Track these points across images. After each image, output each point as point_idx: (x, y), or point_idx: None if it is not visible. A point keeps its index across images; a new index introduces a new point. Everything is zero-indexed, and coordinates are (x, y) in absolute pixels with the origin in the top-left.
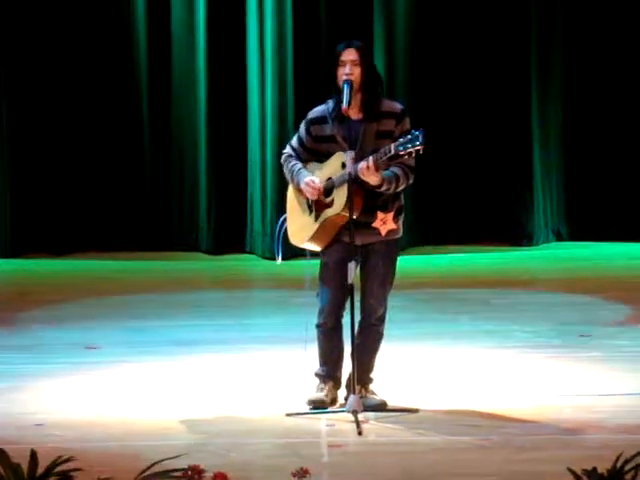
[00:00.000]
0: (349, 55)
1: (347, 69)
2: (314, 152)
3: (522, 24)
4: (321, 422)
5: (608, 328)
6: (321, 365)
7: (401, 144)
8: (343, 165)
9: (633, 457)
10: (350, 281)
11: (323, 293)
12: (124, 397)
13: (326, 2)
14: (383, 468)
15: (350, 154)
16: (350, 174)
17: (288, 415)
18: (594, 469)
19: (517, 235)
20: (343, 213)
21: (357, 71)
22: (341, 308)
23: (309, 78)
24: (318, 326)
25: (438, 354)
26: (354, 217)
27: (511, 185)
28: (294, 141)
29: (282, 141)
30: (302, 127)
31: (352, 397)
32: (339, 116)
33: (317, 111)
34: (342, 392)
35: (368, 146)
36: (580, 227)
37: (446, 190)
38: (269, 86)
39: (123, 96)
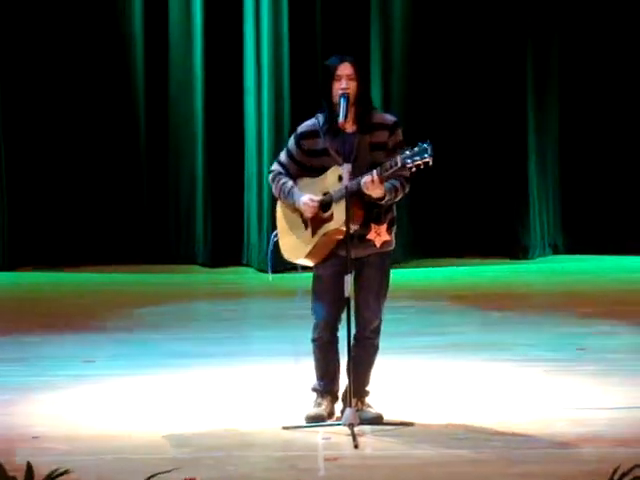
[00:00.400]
0: (345, 69)
1: (343, 83)
2: (305, 166)
3: (518, 36)
4: (318, 435)
5: (604, 342)
6: (318, 380)
7: (408, 157)
8: (340, 178)
9: (630, 470)
10: (347, 294)
11: (318, 307)
12: (120, 410)
13: (322, 13)
14: None
15: (347, 167)
16: (347, 187)
17: (285, 428)
18: None
19: (513, 248)
20: (343, 227)
21: (353, 85)
22: (336, 322)
23: (306, 90)
24: (314, 340)
25: (434, 367)
26: (353, 230)
27: (507, 198)
28: (282, 157)
29: (279, 154)
30: (292, 142)
31: (348, 410)
32: (332, 129)
33: (307, 125)
34: (339, 405)
35: (363, 158)
36: (577, 240)
37: (443, 203)
38: (266, 98)
39: (120, 109)
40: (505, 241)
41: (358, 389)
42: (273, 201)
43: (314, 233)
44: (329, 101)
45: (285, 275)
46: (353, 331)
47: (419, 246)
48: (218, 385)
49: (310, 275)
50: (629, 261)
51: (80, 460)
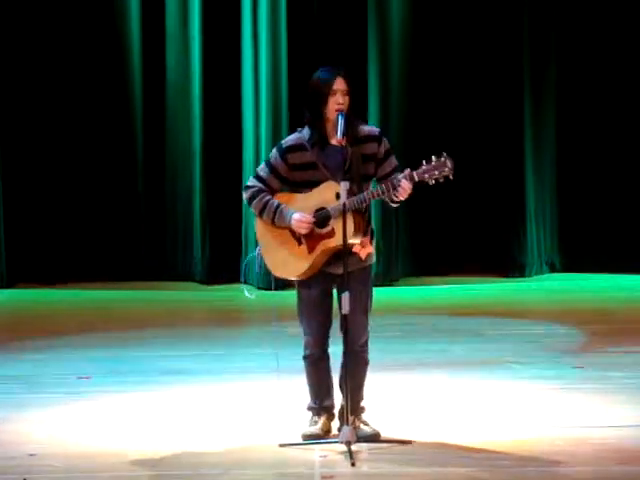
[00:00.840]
0: (340, 84)
1: (339, 99)
2: (287, 181)
3: (515, 49)
4: (314, 453)
5: (601, 359)
6: (312, 398)
7: (426, 171)
8: (337, 196)
9: None
10: (345, 312)
11: (307, 325)
12: (115, 427)
13: (320, 22)
14: None
15: (345, 185)
16: (345, 205)
17: (281, 446)
18: None
19: (510, 266)
20: (349, 241)
21: (347, 100)
22: (326, 338)
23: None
24: (305, 358)
25: (431, 385)
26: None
27: (504, 216)
28: (263, 172)
29: (256, 170)
30: (275, 156)
31: (345, 428)
32: (320, 143)
33: (293, 139)
34: (335, 422)
35: (356, 170)
36: (574, 259)
37: (439, 221)
38: (264, 112)
39: (117, 125)
40: (502, 259)
41: (354, 406)
42: None
43: (311, 250)
44: (320, 115)
45: (283, 292)
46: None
47: (416, 263)
48: (215, 402)
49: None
50: (626, 279)
51: (76, 478)
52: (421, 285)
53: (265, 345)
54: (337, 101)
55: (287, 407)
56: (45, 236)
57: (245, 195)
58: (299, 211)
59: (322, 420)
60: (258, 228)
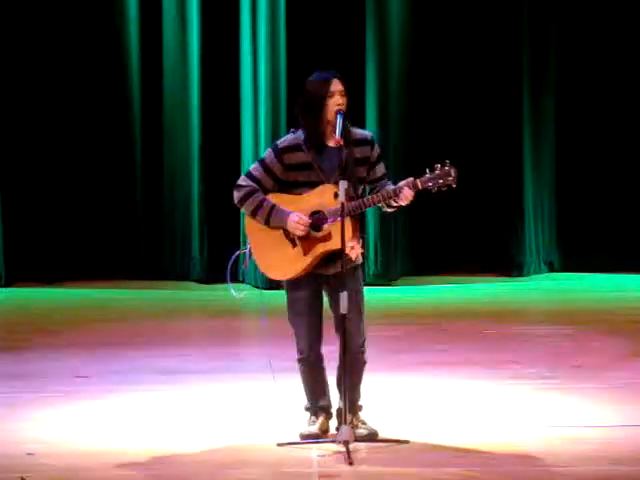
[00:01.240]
0: (337, 86)
1: (338, 100)
2: (281, 181)
3: (514, 46)
4: (312, 452)
5: (599, 360)
6: (309, 399)
7: (430, 180)
8: (335, 196)
9: None
10: (343, 311)
11: (300, 328)
12: (113, 426)
13: (319, 25)
14: None
15: (344, 184)
16: (343, 204)
17: (279, 445)
18: None
19: (508, 266)
20: (346, 245)
21: (344, 101)
22: (320, 339)
23: None
24: (300, 361)
25: (429, 385)
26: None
27: (503, 215)
28: (257, 171)
29: (248, 169)
30: (270, 156)
31: (343, 427)
32: (316, 144)
33: (288, 140)
34: (333, 422)
35: (351, 172)
36: (572, 258)
37: (437, 220)
38: (262, 118)
39: (115, 124)
40: (500, 258)
41: (351, 405)
42: None
43: (307, 252)
44: (318, 116)
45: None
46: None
47: (414, 263)
48: (212, 401)
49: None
50: (625, 279)
51: (74, 477)
52: (420, 284)
53: (262, 344)
54: (337, 102)
55: (285, 407)
56: (43, 236)
57: (237, 194)
58: (295, 213)
59: (320, 420)
60: (249, 228)
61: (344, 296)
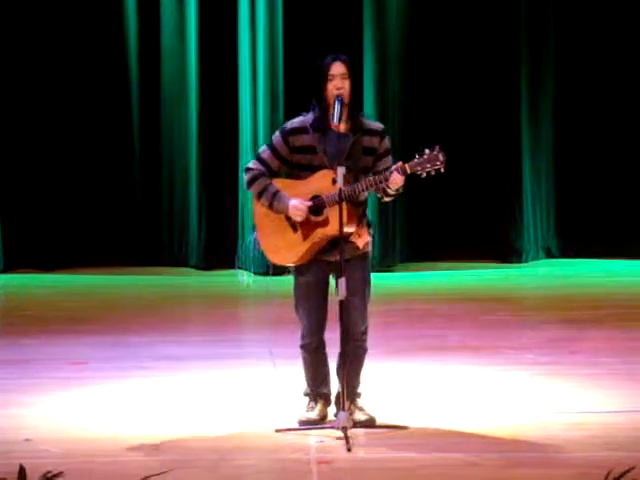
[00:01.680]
0: (339, 69)
1: (338, 83)
2: (288, 163)
3: (512, 38)
4: (310, 438)
5: (596, 345)
6: (309, 384)
7: (418, 164)
8: (333, 182)
9: (622, 474)
10: (342, 297)
11: (304, 313)
12: (111, 412)
13: (317, 16)
14: None
15: (342, 170)
16: (341, 190)
17: (277, 431)
18: None
19: (506, 252)
20: (344, 229)
21: (346, 84)
22: (324, 326)
23: (301, 94)
24: (303, 346)
25: (426, 371)
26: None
27: (501, 201)
28: (265, 153)
29: (258, 151)
30: (278, 137)
31: (341, 413)
32: (322, 128)
33: (296, 122)
34: (332, 409)
35: (356, 160)
36: (570, 244)
37: (436, 206)
38: (261, 100)
39: (113, 113)
40: (498, 244)
41: (350, 392)
42: None
43: (306, 237)
44: (321, 99)
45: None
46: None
47: (412, 249)
48: (210, 388)
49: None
50: (621, 265)
51: (73, 462)
52: (418, 271)
53: (262, 331)
54: (336, 85)
55: (283, 393)
56: (41, 223)
57: (246, 177)
58: (296, 198)
59: (318, 406)
60: (256, 212)
61: (342, 282)
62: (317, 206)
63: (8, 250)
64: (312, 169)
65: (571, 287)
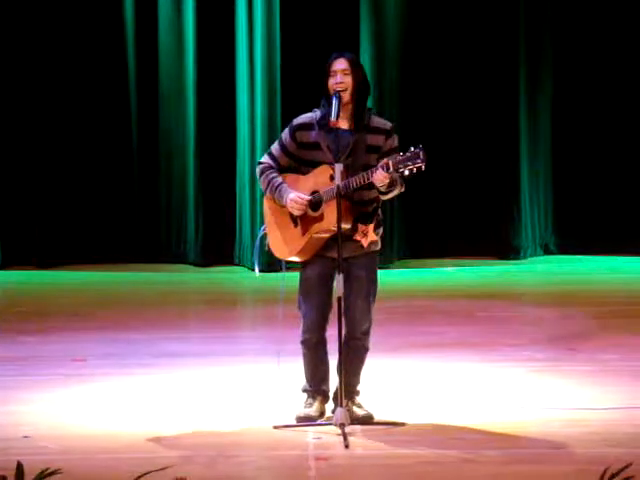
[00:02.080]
0: (340, 65)
1: (338, 78)
2: (296, 159)
3: (511, 36)
4: (308, 435)
5: (595, 342)
6: (308, 381)
7: (400, 162)
8: (331, 178)
9: (620, 471)
10: (339, 294)
11: (306, 309)
12: (111, 409)
13: (314, 14)
14: None
15: (338, 167)
16: (339, 187)
17: (275, 428)
18: None
19: (504, 248)
20: (334, 227)
21: (347, 80)
22: (325, 322)
23: (298, 91)
24: (303, 342)
25: (425, 367)
26: (343, 230)
27: (499, 198)
28: (275, 148)
29: (270, 146)
30: (286, 133)
31: (339, 410)
32: (326, 124)
33: (304, 117)
34: (330, 405)
35: (358, 158)
36: (568, 241)
37: (434, 203)
38: (259, 96)
39: (111, 110)
40: (496, 241)
41: (349, 389)
42: None
43: (304, 232)
44: (326, 97)
45: (275, 275)
46: (343, 331)
47: (410, 246)
48: (209, 384)
49: (296, 274)
50: (620, 261)
51: (71, 459)
52: (416, 267)
53: (260, 327)
54: (336, 81)
55: (281, 389)
56: (38, 219)
57: (257, 171)
58: (296, 192)
59: (316, 402)
60: (265, 206)
61: (340, 279)
62: (315, 201)
63: (6, 247)
64: (317, 165)
65: (569, 284)
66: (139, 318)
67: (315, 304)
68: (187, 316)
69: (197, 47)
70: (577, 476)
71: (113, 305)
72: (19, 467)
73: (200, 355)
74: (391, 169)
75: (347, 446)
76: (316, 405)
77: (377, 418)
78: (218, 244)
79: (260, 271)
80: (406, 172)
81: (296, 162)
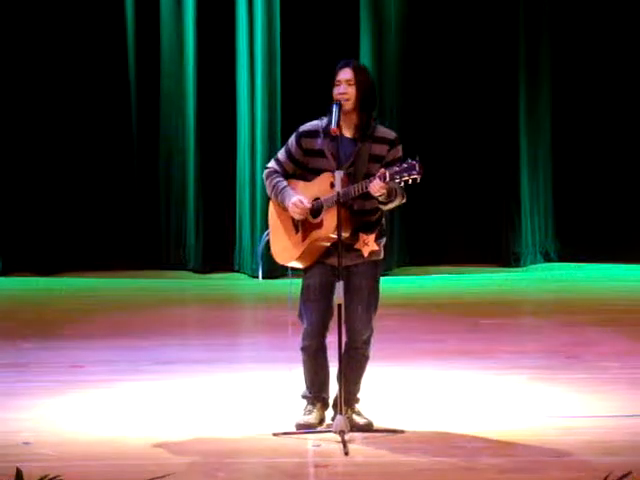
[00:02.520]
0: (344, 75)
1: (341, 88)
2: (302, 166)
3: (510, 42)
4: (308, 442)
5: (594, 350)
6: (308, 387)
7: (396, 172)
8: (332, 185)
9: (620, 479)
10: (339, 301)
11: (306, 315)
12: (111, 416)
13: (314, 18)
14: None
15: (339, 174)
16: (339, 194)
17: (275, 435)
18: None
19: (505, 256)
20: (333, 235)
21: (351, 91)
22: (325, 329)
23: (298, 97)
24: (303, 349)
25: (424, 375)
26: (342, 237)
27: (499, 206)
28: (281, 154)
29: (277, 152)
30: (292, 139)
31: (339, 417)
32: (330, 133)
33: (310, 125)
34: (329, 412)
35: (360, 167)
36: (568, 248)
37: (434, 210)
38: (259, 103)
39: (112, 115)
40: (496, 248)
41: (349, 397)
42: (266, 207)
43: (304, 238)
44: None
45: (278, 281)
46: (344, 339)
47: (410, 253)
48: (208, 391)
49: (299, 281)
50: (620, 269)
51: (70, 466)
52: (416, 275)
53: (259, 334)
54: (339, 91)
55: (281, 396)
56: (39, 226)
57: (263, 175)
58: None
59: (316, 409)
60: (270, 210)
61: (339, 286)
62: (316, 208)
63: (6, 253)
64: (321, 172)
65: (569, 291)
66: (139, 325)
67: (315, 311)
68: (187, 323)
69: (197, 52)
70: None
71: (113, 311)
72: (18, 473)
73: (200, 362)
74: (387, 179)
75: (347, 453)
76: (316, 412)
77: (377, 426)
78: (218, 250)
79: (263, 277)
80: (402, 183)
81: (301, 169)
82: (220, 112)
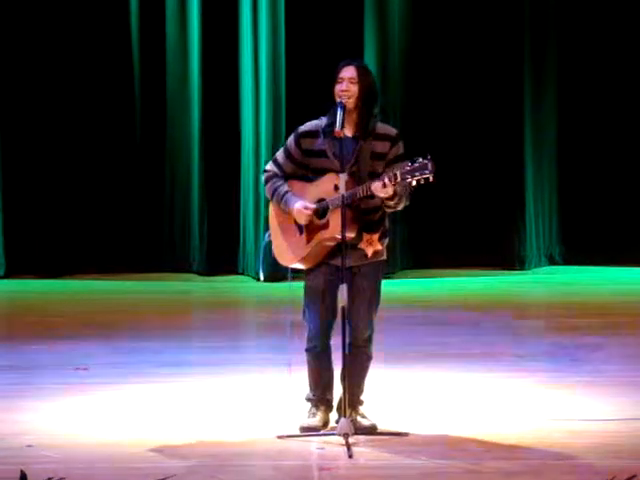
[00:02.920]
0: (347, 72)
1: (343, 85)
2: (301, 166)
3: (515, 44)
4: (312, 445)
5: (598, 353)
6: (312, 389)
7: (408, 172)
8: (336, 188)
9: None
10: (343, 303)
11: (311, 317)
12: (114, 418)
13: (319, 19)
14: None
15: (343, 177)
16: (343, 196)
17: (279, 437)
18: None
19: (510, 259)
20: (339, 235)
21: (354, 89)
22: (329, 331)
23: (303, 99)
24: (307, 350)
25: (428, 377)
26: (348, 239)
27: (504, 209)
28: (280, 156)
29: (275, 153)
30: (291, 140)
31: (343, 420)
32: (332, 132)
33: (309, 125)
34: (333, 415)
35: (363, 165)
36: (573, 251)
37: (438, 213)
38: (263, 105)
39: (117, 117)
40: (501, 252)
41: (352, 399)
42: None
43: (309, 240)
44: (333, 103)
45: (282, 284)
46: (347, 340)
47: (414, 256)
48: (213, 394)
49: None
50: (625, 272)
51: (74, 468)
52: (420, 278)
53: (263, 336)
54: (341, 88)
55: (285, 398)
56: (43, 228)
57: (263, 179)
58: (303, 201)
59: (320, 412)
60: (270, 213)
61: (343, 288)
62: (322, 209)
63: (11, 256)
64: (324, 172)
65: (574, 294)
66: (143, 327)
67: (319, 312)
68: (191, 325)
69: (202, 53)
70: None
71: (117, 314)
72: (22, 476)
73: (204, 364)
74: (398, 179)
75: (351, 456)
76: (320, 415)
77: (380, 428)
78: (222, 253)
79: (265, 278)
80: (413, 182)
81: (302, 169)
82: (225, 115)
